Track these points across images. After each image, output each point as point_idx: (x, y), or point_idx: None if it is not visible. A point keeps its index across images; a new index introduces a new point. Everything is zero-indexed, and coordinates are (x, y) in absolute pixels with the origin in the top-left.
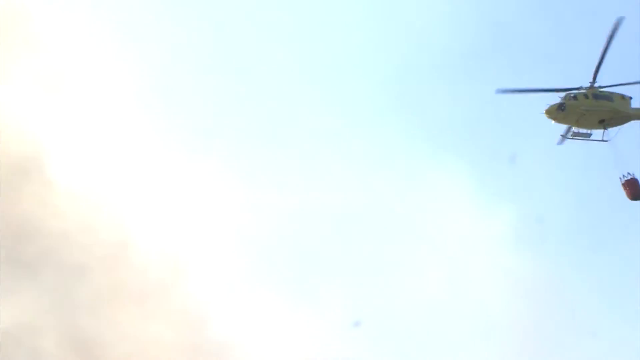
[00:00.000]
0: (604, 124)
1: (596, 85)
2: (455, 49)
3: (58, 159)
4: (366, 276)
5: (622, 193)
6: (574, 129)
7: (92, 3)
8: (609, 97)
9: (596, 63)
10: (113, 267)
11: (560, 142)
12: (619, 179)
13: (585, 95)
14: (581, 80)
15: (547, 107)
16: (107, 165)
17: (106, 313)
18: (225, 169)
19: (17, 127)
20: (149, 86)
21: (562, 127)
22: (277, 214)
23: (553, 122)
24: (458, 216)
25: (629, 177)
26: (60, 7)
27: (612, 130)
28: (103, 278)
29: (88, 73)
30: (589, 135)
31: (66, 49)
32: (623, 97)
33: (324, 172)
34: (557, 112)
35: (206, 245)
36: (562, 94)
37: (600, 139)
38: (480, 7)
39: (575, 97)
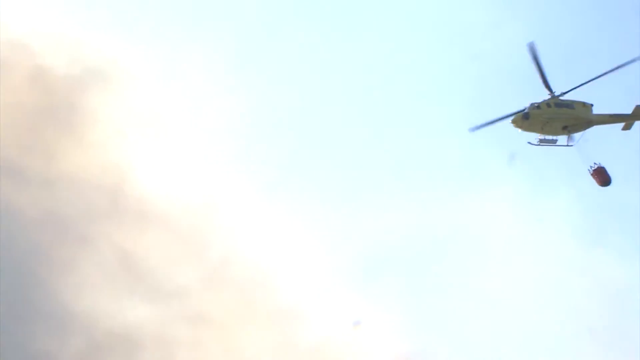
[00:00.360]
0: (567, 130)
1: (558, 94)
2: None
3: (151, 185)
4: (444, 289)
5: None
6: (541, 136)
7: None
8: (570, 105)
9: (541, 80)
10: (216, 283)
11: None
12: (587, 171)
13: (548, 104)
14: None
15: (513, 117)
16: (201, 188)
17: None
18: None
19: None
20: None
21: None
22: (366, 231)
23: (520, 130)
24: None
25: (596, 166)
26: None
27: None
28: (208, 293)
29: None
30: (555, 141)
31: (153, 91)
32: (584, 104)
33: (400, 191)
34: (522, 121)
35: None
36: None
37: (566, 144)
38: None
39: (538, 106)
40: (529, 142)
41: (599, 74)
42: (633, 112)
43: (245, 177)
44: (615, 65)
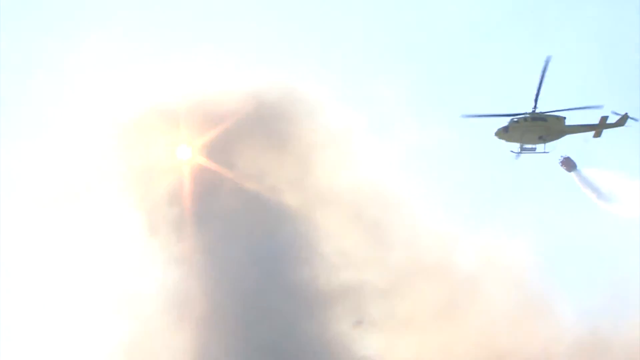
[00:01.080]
0: (542, 139)
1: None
2: None
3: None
4: None
5: None
6: (522, 145)
7: None
8: (544, 118)
9: (535, 93)
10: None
11: (517, 157)
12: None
13: (525, 119)
14: None
15: (496, 130)
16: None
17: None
18: None
19: None
20: None
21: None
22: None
23: (503, 141)
24: None
25: (563, 158)
26: None
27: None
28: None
29: None
30: (534, 149)
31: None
32: (557, 117)
33: None
34: (503, 133)
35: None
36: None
37: (543, 151)
38: None
39: (517, 120)
40: (512, 151)
41: (570, 107)
42: (599, 122)
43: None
44: (583, 106)
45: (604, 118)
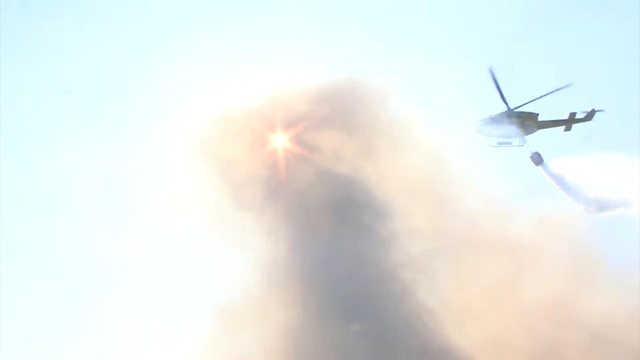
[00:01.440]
0: (517, 134)
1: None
2: None
3: None
4: None
5: None
6: (499, 139)
7: None
8: (519, 115)
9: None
10: None
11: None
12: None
13: (501, 115)
14: None
15: (474, 125)
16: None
17: None
18: None
19: None
20: None
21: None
22: None
23: (481, 135)
24: None
25: (532, 153)
26: None
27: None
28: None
29: None
30: (510, 142)
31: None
32: (531, 114)
33: None
34: (482, 128)
35: None
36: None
37: (518, 144)
38: None
39: (493, 117)
40: (490, 145)
41: (542, 94)
42: (569, 117)
43: None
44: (555, 89)
45: (573, 114)
